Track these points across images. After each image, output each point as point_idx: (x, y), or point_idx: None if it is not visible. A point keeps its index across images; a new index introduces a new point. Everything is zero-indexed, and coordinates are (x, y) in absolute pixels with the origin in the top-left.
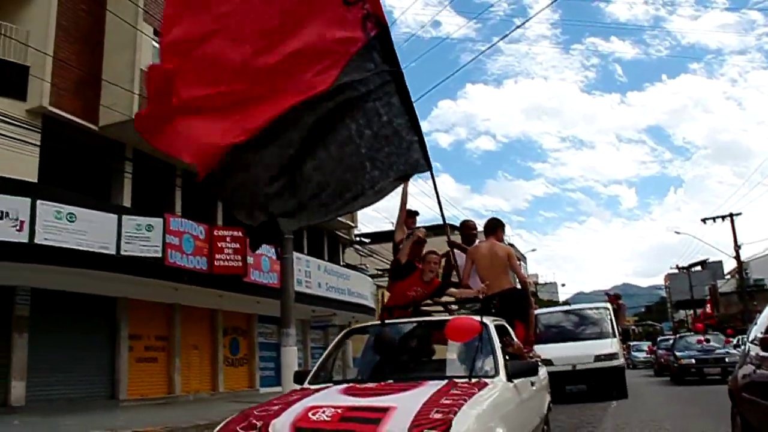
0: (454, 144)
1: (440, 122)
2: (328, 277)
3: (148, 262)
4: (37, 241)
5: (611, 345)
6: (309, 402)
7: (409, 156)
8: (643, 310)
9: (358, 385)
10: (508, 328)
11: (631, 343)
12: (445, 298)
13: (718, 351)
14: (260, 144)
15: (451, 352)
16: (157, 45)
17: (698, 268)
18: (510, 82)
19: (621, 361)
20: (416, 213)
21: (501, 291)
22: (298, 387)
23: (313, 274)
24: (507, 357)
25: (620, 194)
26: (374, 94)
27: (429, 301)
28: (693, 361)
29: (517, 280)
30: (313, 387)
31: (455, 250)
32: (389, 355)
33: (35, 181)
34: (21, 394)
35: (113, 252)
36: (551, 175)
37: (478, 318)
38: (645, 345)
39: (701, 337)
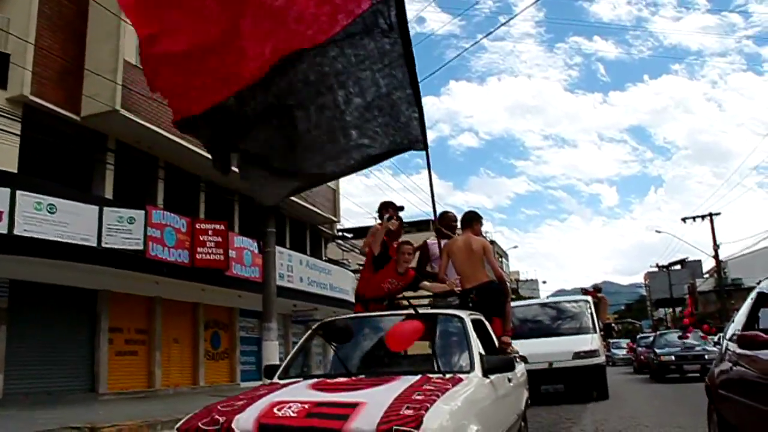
0: (437, 140)
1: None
2: (310, 272)
3: (130, 254)
4: (16, 232)
5: (591, 341)
6: (275, 397)
7: (407, 131)
8: (623, 307)
9: (328, 380)
10: (485, 322)
11: (612, 341)
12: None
13: (697, 348)
14: (242, 99)
15: (425, 347)
16: None
17: (678, 267)
18: (494, 79)
19: (602, 358)
20: (401, 208)
21: (479, 284)
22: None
23: (295, 269)
24: (482, 352)
25: (601, 193)
26: (373, 64)
27: (408, 294)
28: (673, 358)
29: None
30: (282, 382)
31: (430, 242)
32: (361, 350)
33: (15, 171)
34: (0, 386)
35: (94, 244)
36: (533, 173)
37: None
38: (624, 342)
39: (687, 334)
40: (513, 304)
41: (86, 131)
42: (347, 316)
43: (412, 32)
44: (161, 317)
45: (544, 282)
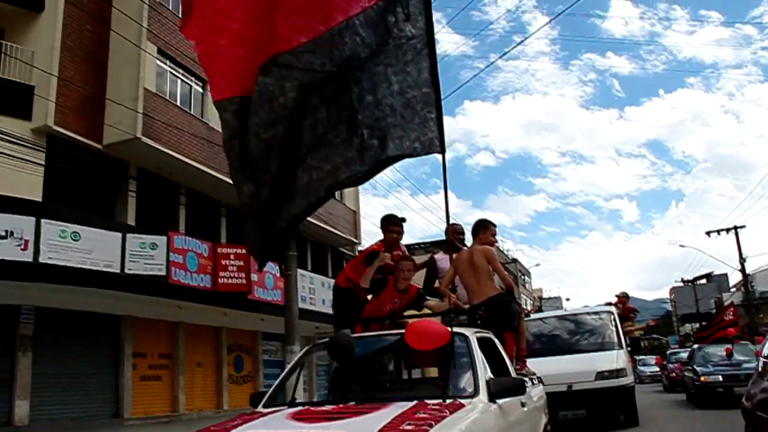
0: (454, 160)
1: None
2: (332, 294)
3: (152, 280)
4: (41, 260)
5: (617, 358)
6: (248, 428)
7: (422, 133)
8: (650, 323)
9: (312, 408)
10: (495, 341)
11: (638, 357)
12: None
13: (746, 365)
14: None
15: (424, 369)
16: (161, 64)
17: (703, 281)
18: (508, 98)
19: (629, 378)
20: (403, 220)
21: (486, 299)
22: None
23: (317, 291)
24: (490, 374)
25: (621, 208)
26: (387, 58)
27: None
28: (720, 378)
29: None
30: (264, 410)
31: (438, 257)
32: (354, 373)
33: (40, 200)
34: (25, 413)
35: (117, 270)
36: (552, 190)
37: (460, 327)
38: (652, 359)
39: (729, 346)
40: (526, 318)
41: (109, 159)
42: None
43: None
44: (184, 342)
45: (568, 299)
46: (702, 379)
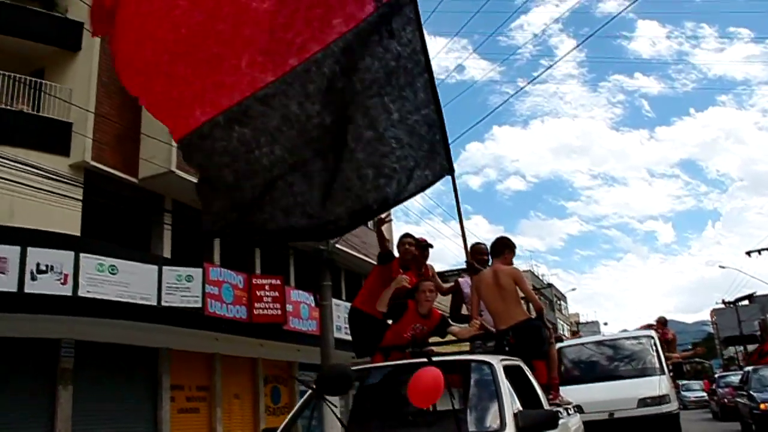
0: (485, 185)
1: (469, 165)
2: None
3: (189, 312)
4: (80, 293)
5: (660, 384)
6: None
7: (431, 159)
8: (690, 347)
9: None
10: (525, 369)
11: (681, 382)
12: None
13: None
14: (233, 123)
15: (444, 402)
16: None
17: (745, 302)
18: (537, 122)
19: (674, 405)
20: (429, 246)
21: (514, 324)
22: None
23: None
24: (518, 406)
25: (656, 230)
26: (380, 87)
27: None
28: None
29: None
30: None
31: (462, 281)
32: (366, 408)
33: (78, 234)
34: None
35: (154, 303)
36: (585, 213)
37: (485, 354)
38: (696, 384)
39: None
40: (564, 343)
41: (144, 193)
42: (357, 367)
43: (451, 81)
44: (221, 374)
45: (606, 323)
46: (762, 406)
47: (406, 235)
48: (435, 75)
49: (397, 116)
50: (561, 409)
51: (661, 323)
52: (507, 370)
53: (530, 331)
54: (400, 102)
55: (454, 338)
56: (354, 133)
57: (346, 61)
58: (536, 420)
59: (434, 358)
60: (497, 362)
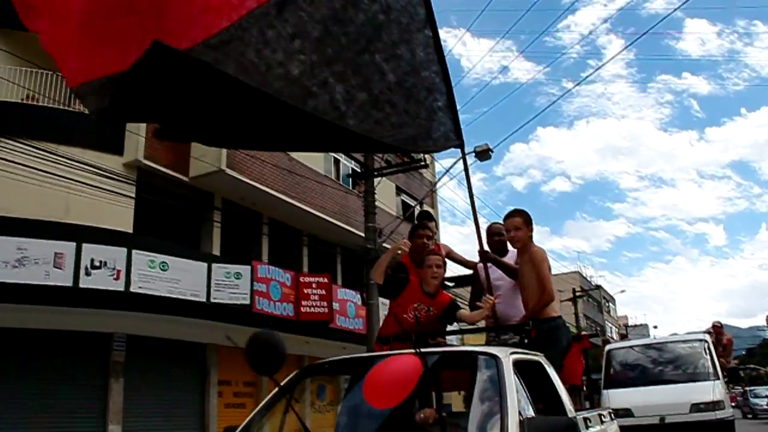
0: (529, 186)
1: (513, 166)
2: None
3: (237, 309)
4: (132, 289)
5: (713, 390)
6: None
7: (432, 128)
8: (743, 353)
9: None
10: (547, 366)
11: (749, 388)
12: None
13: None
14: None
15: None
16: None
17: None
18: (582, 123)
19: (728, 411)
20: (430, 218)
21: (533, 316)
22: None
23: None
24: (532, 412)
25: (707, 232)
26: (368, 43)
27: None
28: None
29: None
30: None
31: (482, 266)
32: (341, 409)
33: (131, 231)
34: None
35: (203, 299)
36: (632, 215)
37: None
38: (765, 390)
39: None
40: (615, 345)
41: (194, 191)
42: (338, 357)
43: (495, 82)
44: None
45: (656, 327)
46: None
47: (422, 227)
48: (479, 76)
49: (393, 78)
50: (591, 416)
51: (719, 327)
52: (520, 366)
53: (544, 328)
54: (394, 61)
55: (467, 327)
56: (344, 95)
57: (318, 7)
58: (549, 429)
59: (427, 349)
60: (505, 356)
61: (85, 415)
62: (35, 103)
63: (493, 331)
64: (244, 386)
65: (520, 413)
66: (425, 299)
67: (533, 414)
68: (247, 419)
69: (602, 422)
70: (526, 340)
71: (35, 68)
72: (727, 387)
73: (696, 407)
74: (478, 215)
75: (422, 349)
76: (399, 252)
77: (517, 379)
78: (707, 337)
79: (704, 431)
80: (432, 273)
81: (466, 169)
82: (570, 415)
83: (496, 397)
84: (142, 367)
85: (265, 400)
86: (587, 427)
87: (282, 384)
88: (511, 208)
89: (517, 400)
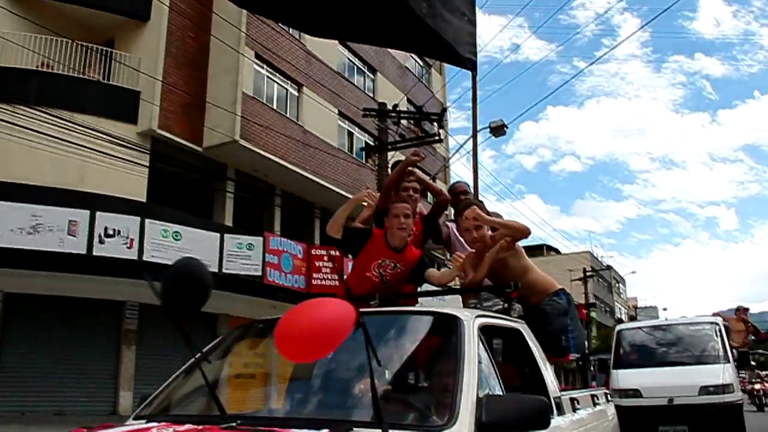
0: (539, 165)
1: (523, 145)
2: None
3: (248, 280)
4: (145, 258)
5: (723, 373)
6: None
7: (457, 42)
8: (752, 338)
9: (178, 428)
10: (527, 336)
11: (764, 373)
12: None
13: None
14: None
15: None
16: (258, 69)
17: None
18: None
19: (737, 395)
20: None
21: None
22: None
23: None
24: (499, 389)
25: (718, 215)
26: None
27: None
28: None
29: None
30: (129, 423)
31: (453, 225)
32: (264, 376)
33: (144, 200)
34: (129, 404)
35: (215, 269)
36: (641, 197)
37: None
38: None
39: None
40: (625, 325)
41: (208, 161)
42: (272, 317)
43: (507, 60)
44: None
45: (665, 309)
46: None
47: (409, 174)
48: (490, 54)
49: None
50: (580, 396)
51: (744, 311)
52: (489, 332)
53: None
54: None
55: (433, 287)
56: None
57: None
58: (512, 412)
59: (373, 309)
60: (470, 318)
61: (98, 381)
62: (50, 70)
63: (465, 293)
64: (254, 356)
65: (480, 389)
66: (391, 254)
67: (500, 392)
68: (156, 391)
69: (595, 404)
70: (507, 305)
71: (51, 35)
72: (738, 370)
73: (705, 390)
74: (491, 192)
75: (377, 308)
76: (364, 204)
77: (484, 347)
78: (718, 320)
79: (712, 414)
80: (398, 223)
81: (474, 97)
82: (554, 395)
83: (451, 368)
84: (154, 335)
85: (183, 368)
86: (574, 410)
87: (211, 344)
88: (519, 186)
89: (478, 373)
